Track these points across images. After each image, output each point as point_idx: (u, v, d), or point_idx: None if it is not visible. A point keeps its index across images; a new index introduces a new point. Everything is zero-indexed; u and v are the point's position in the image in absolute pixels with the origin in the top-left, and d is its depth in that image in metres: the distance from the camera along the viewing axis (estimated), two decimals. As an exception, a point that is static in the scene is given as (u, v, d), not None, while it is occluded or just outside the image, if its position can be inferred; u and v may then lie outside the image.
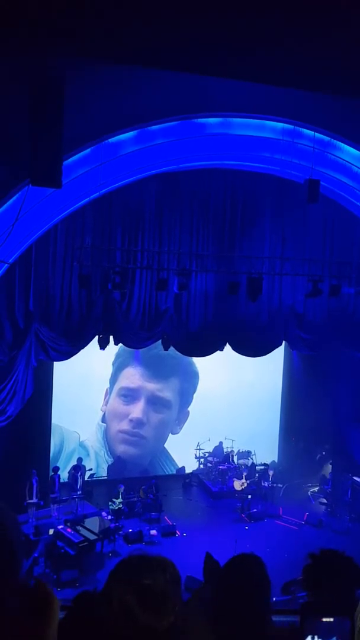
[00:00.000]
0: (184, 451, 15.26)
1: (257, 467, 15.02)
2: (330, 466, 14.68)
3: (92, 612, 1.63)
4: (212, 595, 2.21)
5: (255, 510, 13.39)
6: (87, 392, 14.42)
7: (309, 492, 14.54)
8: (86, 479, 13.44)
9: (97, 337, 12.19)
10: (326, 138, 11.02)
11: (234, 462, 15.15)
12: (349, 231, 13.17)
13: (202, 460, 15.37)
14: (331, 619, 1.35)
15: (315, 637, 1.34)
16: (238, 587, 2.15)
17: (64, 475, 13.21)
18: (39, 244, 11.14)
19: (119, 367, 14.87)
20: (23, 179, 8.84)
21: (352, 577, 2.46)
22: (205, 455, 15.35)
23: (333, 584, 2.36)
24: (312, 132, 10.83)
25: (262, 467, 14.95)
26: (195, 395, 15.53)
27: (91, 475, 13.93)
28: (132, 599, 1.49)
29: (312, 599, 2.38)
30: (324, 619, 1.35)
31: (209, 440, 15.28)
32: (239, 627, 2.07)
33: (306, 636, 1.35)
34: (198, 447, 15.29)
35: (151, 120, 10.03)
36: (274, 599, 8.51)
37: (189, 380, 15.48)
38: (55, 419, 13.80)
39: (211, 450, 15.37)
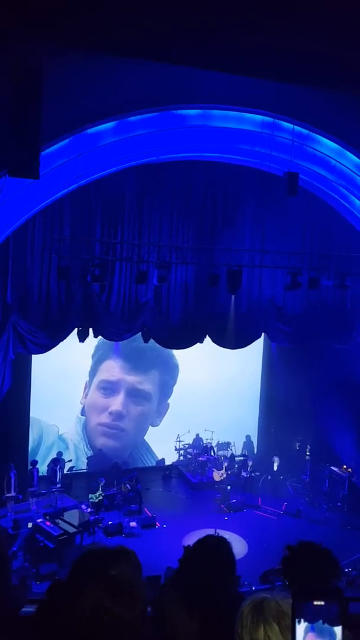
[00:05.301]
0: (164, 443, 15.29)
1: (236, 458, 15.14)
2: (309, 456, 14.88)
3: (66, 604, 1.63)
4: (181, 576, 2.25)
5: (234, 500, 13.51)
6: (66, 385, 14.32)
7: (287, 482, 14.72)
8: (65, 472, 13.40)
9: (76, 330, 12.11)
10: (305, 131, 11.06)
11: (213, 454, 15.25)
12: (327, 224, 13.29)
13: (182, 452, 15.43)
14: (322, 603, 1.38)
15: (302, 620, 1.37)
16: (203, 565, 2.21)
17: (42, 468, 13.15)
18: (16, 235, 10.99)
19: (98, 359, 14.80)
20: (0, 170, 8.70)
21: (328, 568, 2.53)
22: (185, 447, 15.42)
23: (310, 575, 2.42)
24: (291, 125, 10.87)
25: (242, 458, 15.08)
26: (175, 388, 15.56)
27: (70, 468, 13.89)
28: (102, 592, 1.49)
29: (292, 588, 2.43)
30: (315, 603, 1.38)
31: (189, 432, 15.35)
32: (207, 603, 2.13)
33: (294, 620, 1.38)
34: (178, 439, 15.34)
35: (130, 111, 9.94)
36: (253, 587, 8.63)
37: (169, 373, 15.50)
38: (34, 413, 13.70)
39: (191, 442, 15.44)
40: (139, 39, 6.26)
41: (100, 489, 12.70)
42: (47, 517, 11.32)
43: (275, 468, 14.55)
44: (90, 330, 12.29)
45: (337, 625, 1.36)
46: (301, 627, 1.36)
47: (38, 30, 6.11)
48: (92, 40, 6.41)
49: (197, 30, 5.97)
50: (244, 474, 14.32)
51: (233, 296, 12.83)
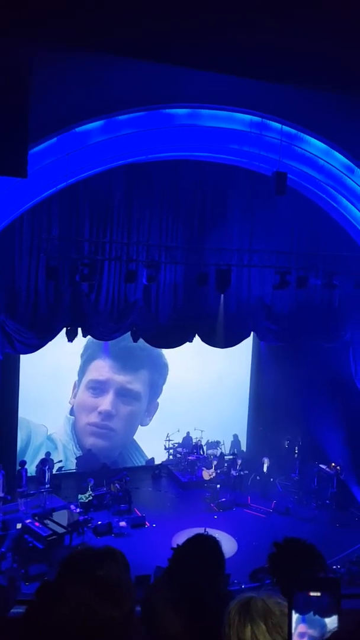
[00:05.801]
0: (153, 442, 15.29)
1: (225, 457, 15.18)
2: (297, 454, 14.95)
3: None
4: (171, 575, 2.26)
5: (224, 499, 13.54)
6: (55, 385, 14.26)
7: (276, 481, 14.78)
8: (54, 472, 13.34)
9: (65, 329, 12.05)
10: (293, 131, 11.11)
11: (203, 453, 15.28)
12: (315, 223, 13.34)
13: (171, 451, 15.44)
14: (318, 594, 1.40)
15: (293, 611, 1.39)
16: (193, 564, 2.22)
17: (31, 469, 13.08)
18: (4, 235, 10.91)
19: (87, 359, 14.76)
20: (-13, 168, 8.62)
21: (314, 563, 2.56)
22: (174, 446, 15.42)
23: (296, 570, 2.45)
24: (280, 125, 10.91)
25: (231, 457, 15.12)
26: (164, 387, 15.56)
27: (59, 469, 13.83)
28: (88, 592, 1.49)
29: (279, 584, 2.45)
30: (311, 594, 1.40)
31: (178, 431, 15.36)
32: (197, 602, 2.14)
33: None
34: (167, 438, 15.34)
35: (119, 110, 9.92)
36: (243, 586, 8.65)
37: (159, 372, 15.49)
38: (22, 413, 13.63)
39: (180, 441, 15.45)
40: (139, 39, 6.22)
41: (89, 489, 12.66)
42: (36, 518, 11.27)
43: (264, 469, 14.59)
44: (79, 329, 12.24)
45: (327, 616, 1.39)
46: (293, 619, 1.38)
47: (37, 30, 6.06)
48: (92, 41, 6.36)
49: (197, 30, 5.95)
50: (233, 472, 14.36)
51: (222, 295, 12.86)
